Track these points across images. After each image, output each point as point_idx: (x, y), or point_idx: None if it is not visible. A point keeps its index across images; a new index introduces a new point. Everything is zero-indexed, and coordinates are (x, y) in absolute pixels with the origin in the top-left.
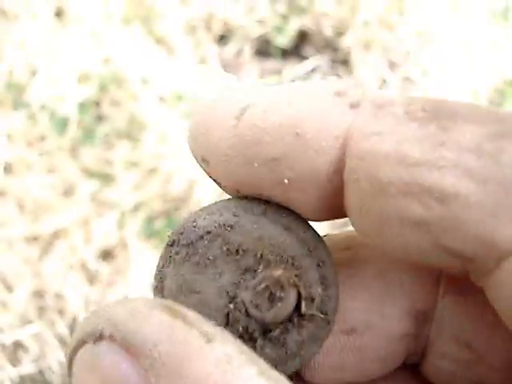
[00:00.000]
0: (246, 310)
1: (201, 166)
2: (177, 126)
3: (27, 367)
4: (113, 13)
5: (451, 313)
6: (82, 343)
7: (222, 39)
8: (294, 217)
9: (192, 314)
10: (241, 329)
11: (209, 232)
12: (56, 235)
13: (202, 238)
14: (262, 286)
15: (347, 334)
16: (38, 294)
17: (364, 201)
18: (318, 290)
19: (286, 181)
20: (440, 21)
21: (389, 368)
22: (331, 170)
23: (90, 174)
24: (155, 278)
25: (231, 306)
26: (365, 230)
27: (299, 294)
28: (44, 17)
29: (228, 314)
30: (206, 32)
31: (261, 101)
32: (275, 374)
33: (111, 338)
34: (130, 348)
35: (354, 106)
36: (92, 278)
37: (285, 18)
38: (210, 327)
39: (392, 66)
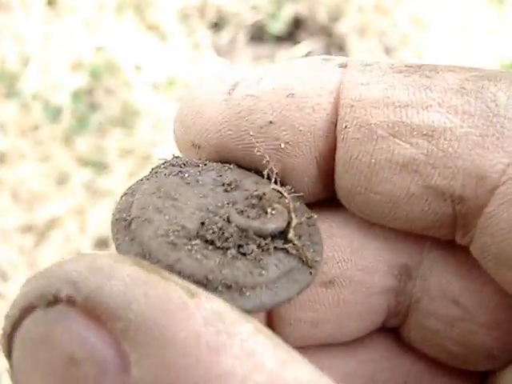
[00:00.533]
0: (228, 218)
1: (189, 155)
2: (170, 113)
3: None
4: (105, 1)
5: (438, 269)
6: (27, 310)
7: (216, 26)
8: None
9: (165, 272)
10: (216, 231)
11: (205, 164)
12: (51, 224)
13: (197, 165)
14: (254, 198)
15: (325, 287)
16: None
17: (353, 149)
18: (306, 229)
19: (282, 145)
20: (435, 5)
21: (367, 328)
22: (327, 125)
23: (84, 162)
24: (120, 197)
25: (210, 214)
26: (350, 187)
27: (288, 223)
28: (36, 6)
29: (204, 223)
30: (199, 19)
31: (251, 75)
32: (269, 331)
33: (69, 299)
34: (94, 311)
35: (342, 65)
36: None
37: (279, 4)
38: (190, 283)
39: (388, 51)
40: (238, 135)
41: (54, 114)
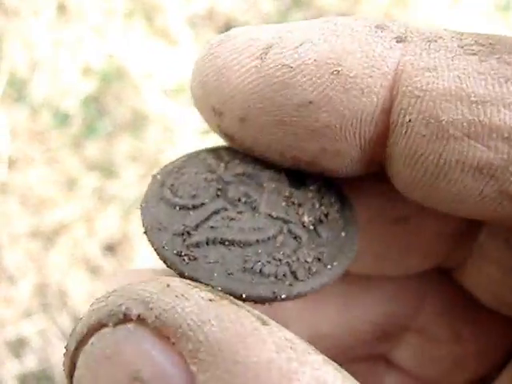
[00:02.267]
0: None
1: (208, 121)
2: (179, 118)
3: (29, 362)
4: (114, 7)
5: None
6: (96, 328)
7: (225, 31)
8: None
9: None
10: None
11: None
12: (59, 230)
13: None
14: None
15: (395, 223)
16: (41, 289)
17: (418, 145)
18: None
19: (321, 128)
20: (443, 14)
21: (428, 265)
22: (377, 111)
23: (92, 168)
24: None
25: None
26: (411, 181)
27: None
28: (46, 12)
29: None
30: (208, 25)
31: (287, 37)
32: (337, 365)
33: (140, 319)
34: (164, 330)
35: (400, 39)
36: (95, 272)
37: (287, 11)
38: (258, 312)
39: None
40: (270, 110)
41: (63, 119)
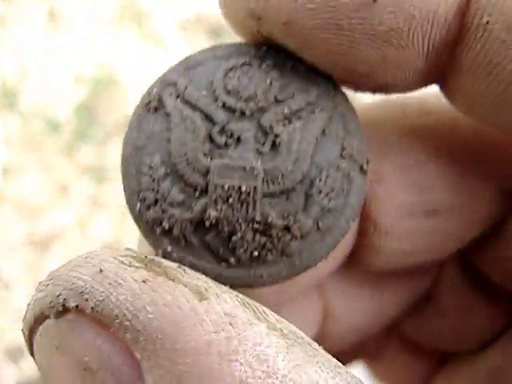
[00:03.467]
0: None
1: (242, 27)
2: None
3: (27, 370)
4: (104, 14)
5: None
6: (40, 318)
7: (215, 35)
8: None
9: (174, 265)
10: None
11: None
12: (54, 236)
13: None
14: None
15: (426, 216)
16: None
17: (494, 52)
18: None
19: (385, 32)
20: None
21: (450, 251)
22: (452, 12)
23: (85, 174)
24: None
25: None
26: (479, 95)
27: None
28: (35, 20)
29: None
30: (198, 29)
31: None
32: (287, 325)
33: (78, 309)
34: (103, 320)
35: None
36: None
37: None
38: (199, 278)
39: None
40: (322, 12)
41: (55, 127)
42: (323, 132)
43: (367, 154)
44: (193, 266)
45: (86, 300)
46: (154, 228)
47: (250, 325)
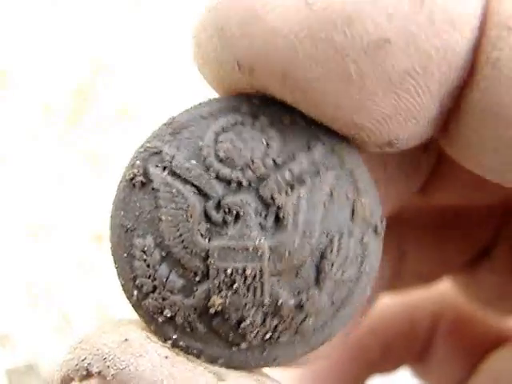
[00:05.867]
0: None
1: (227, 80)
2: (169, 114)
3: (17, 359)
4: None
5: None
6: (67, 380)
7: None
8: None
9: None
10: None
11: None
12: (48, 224)
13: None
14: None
15: (423, 151)
16: (29, 285)
17: (504, 92)
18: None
19: (398, 75)
20: None
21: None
22: (469, 51)
23: (82, 161)
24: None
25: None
26: (482, 143)
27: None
28: (32, 4)
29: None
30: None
31: None
32: None
33: (101, 375)
34: None
35: None
36: (84, 267)
37: None
38: (215, 368)
39: None
40: (329, 58)
41: (51, 113)
42: (331, 194)
43: (380, 211)
44: (202, 353)
45: (108, 367)
46: (155, 317)
47: None
